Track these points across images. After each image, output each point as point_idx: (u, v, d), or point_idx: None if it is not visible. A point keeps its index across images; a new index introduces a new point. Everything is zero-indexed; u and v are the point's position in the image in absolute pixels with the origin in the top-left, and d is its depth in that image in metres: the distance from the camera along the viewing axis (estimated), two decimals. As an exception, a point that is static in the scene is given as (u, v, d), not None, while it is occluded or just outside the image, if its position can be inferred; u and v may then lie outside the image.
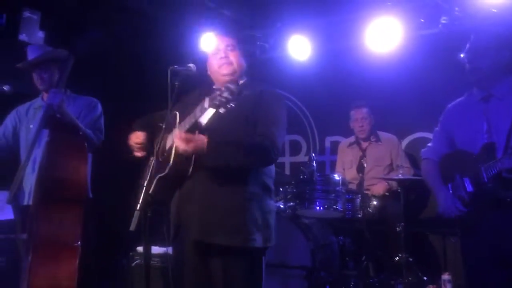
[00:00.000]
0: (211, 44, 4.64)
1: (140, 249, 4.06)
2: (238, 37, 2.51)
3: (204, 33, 4.94)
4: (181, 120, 2.29)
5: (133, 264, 4.06)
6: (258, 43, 5.49)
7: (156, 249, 3.41)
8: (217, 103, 1.94)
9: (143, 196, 2.09)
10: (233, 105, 1.95)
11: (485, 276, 2.48)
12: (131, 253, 4.09)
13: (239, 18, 5.18)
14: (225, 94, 1.93)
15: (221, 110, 1.97)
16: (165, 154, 2.27)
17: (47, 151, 2.94)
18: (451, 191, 2.62)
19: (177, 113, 2.30)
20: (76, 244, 2.82)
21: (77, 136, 3.05)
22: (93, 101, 3.40)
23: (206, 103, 2.02)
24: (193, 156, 2.19)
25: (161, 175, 2.20)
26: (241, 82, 2.43)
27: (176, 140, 2.11)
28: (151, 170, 2.22)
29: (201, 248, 2.25)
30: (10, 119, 3.42)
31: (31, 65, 3.29)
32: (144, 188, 2.14)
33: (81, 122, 3.18)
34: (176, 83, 2.32)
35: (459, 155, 2.64)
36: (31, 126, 3.28)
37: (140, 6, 4.66)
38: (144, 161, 2.52)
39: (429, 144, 2.90)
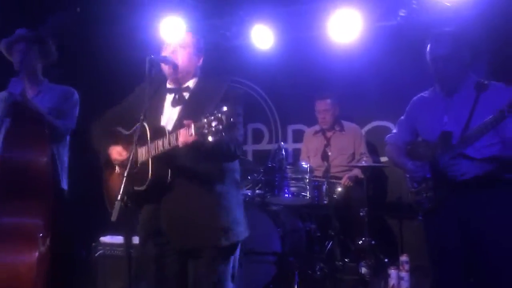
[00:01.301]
0: (170, 30, 4.62)
1: (104, 239, 4.02)
2: (193, 35, 2.52)
3: (164, 18, 4.85)
4: (152, 128, 2.27)
5: (96, 255, 3.99)
6: (220, 31, 5.47)
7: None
8: (206, 132, 1.93)
9: (123, 187, 2.08)
10: (223, 134, 1.93)
11: (446, 257, 2.67)
12: (93, 244, 4.02)
13: (201, 6, 5.12)
14: (214, 124, 1.91)
15: (210, 139, 1.94)
16: (139, 166, 2.26)
17: (5, 141, 2.83)
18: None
19: (147, 126, 2.27)
20: (37, 236, 2.74)
21: (38, 125, 2.95)
22: (70, 91, 3.33)
23: (192, 129, 1.98)
24: (170, 167, 2.23)
25: (140, 188, 2.22)
26: (192, 80, 2.46)
27: (183, 141, 2.07)
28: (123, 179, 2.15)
29: (183, 252, 2.34)
30: None
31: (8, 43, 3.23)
32: (125, 178, 2.12)
33: (56, 111, 3.09)
34: (153, 72, 2.34)
35: (420, 143, 2.85)
36: None
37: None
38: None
39: (394, 131, 3.11)
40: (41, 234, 2.75)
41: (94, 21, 4.57)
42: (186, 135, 2.02)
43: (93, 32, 4.62)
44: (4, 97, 3.18)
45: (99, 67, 4.73)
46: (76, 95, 3.34)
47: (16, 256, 2.70)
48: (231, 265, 2.39)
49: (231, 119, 1.93)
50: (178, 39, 2.47)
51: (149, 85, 2.35)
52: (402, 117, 3.04)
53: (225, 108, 1.92)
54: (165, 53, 2.44)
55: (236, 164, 2.46)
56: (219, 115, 1.91)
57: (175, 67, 2.39)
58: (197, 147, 2.05)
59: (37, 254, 2.71)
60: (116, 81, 2.78)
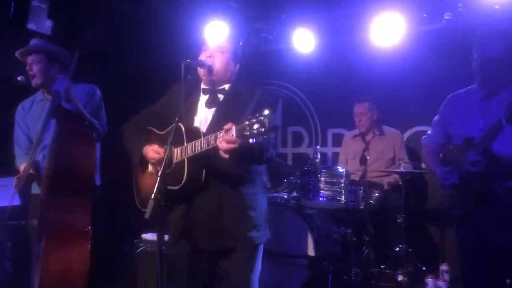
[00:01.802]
0: (214, 35, 4.72)
1: (145, 236, 4.14)
2: (232, 40, 2.55)
3: (209, 22, 4.96)
4: (188, 129, 2.32)
5: (137, 251, 4.12)
6: (262, 35, 5.54)
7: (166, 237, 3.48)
8: (247, 134, 1.97)
9: (157, 185, 2.14)
10: (265, 137, 1.97)
11: (475, 265, 2.61)
12: (135, 240, 4.16)
13: (244, 10, 5.21)
14: (256, 126, 1.94)
15: (251, 141, 1.99)
16: (173, 166, 2.33)
17: (55, 140, 3.00)
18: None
19: (182, 126, 2.32)
20: (86, 229, 2.89)
21: (83, 125, 3.10)
22: (92, 88, 3.38)
23: (233, 131, 2.02)
24: (204, 168, 2.29)
25: (174, 188, 2.29)
26: (228, 85, 2.49)
27: (224, 144, 2.09)
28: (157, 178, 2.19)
29: (212, 253, 2.40)
30: (19, 116, 3.43)
31: (24, 52, 3.26)
32: (159, 177, 2.19)
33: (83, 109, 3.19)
34: (189, 76, 2.41)
35: (450, 149, 2.78)
36: (37, 120, 3.29)
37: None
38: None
39: (429, 132, 3.04)
40: (89, 227, 2.91)
41: (139, 26, 4.74)
42: (227, 137, 2.05)
43: (138, 36, 4.78)
44: (42, 99, 3.36)
45: (142, 70, 4.88)
46: (99, 92, 3.39)
47: (69, 249, 2.85)
48: (260, 265, 2.44)
49: (273, 123, 1.96)
50: (217, 43, 2.51)
51: (184, 88, 2.40)
52: (436, 118, 2.96)
53: (266, 112, 1.95)
54: (202, 56, 2.48)
55: (263, 167, 2.51)
56: (262, 118, 1.94)
57: (210, 70, 2.44)
58: (234, 150, 2.08)
59: (88, 246, 2.87)
60: (157, 85, 2.87)
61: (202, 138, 2.22)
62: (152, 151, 2.43)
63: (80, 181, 2.96)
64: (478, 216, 2.56)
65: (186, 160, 2.28)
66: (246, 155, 2.19)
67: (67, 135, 3.01)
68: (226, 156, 2.10)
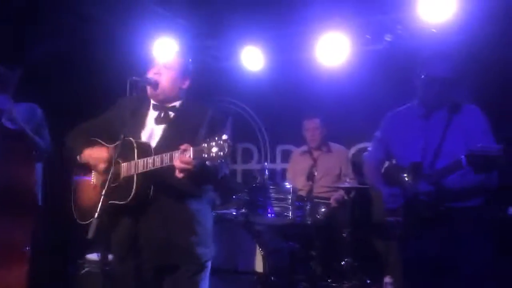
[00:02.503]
0: (162, 51, 4.70)
1: (89, 256, 4.02)
2: (180, 57, 2.57)
3: (157, 38, 4.94)
4: (138, 144, 2.30)
5: (82, 272, 4.00)
6: (211, 52, 5.58)
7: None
8: (205, 156, 1.99)
9: (101, 204, 2.11)
10: (223, 161, 2.01)
11: (415, 280, 2.68)
12: (79, 261, 4.04)
13: (193, 27, 5.23)
14: (214, 150, 1.97)
15: (208, 163, 2.03)
16: (120, 180, 2.29)
17: (-6, 160, 2.91)
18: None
19: (133, 141, 2.30)
20: (25, 249, 2.81)
21: (24, 143, 3.03)
22: (32, 106, 3.34)
23: (190, 153, 2.04)
24: (152, 184, 2.27)
25: (120, 203, 2.25)
26: (177, 102, 2.50)
27: (180, 164, 2.10)
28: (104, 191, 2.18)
29: (158, 269, 2.36)
30: None
31: None
32: (102, 196, 2.16)
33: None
34: (134, 94, 2.39)
35: (393, 168, 2.83)
36: None
37: (94, 13, 4.62)
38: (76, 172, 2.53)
39: (369, 148, 3.11)
40: (27, 248, 2.81)
41: (85, 43, 4.65)
42: (184, 158, 2.06)
43: (84, 53, 4.69)
44: None
45: (88, 88, 4.78)
46: (40, 110, 3.34)
47: (7, 269, 2.79)
48: (207, 282, 2.42)
49: (231, 148, 1.98)
50: (165, 60, 2.51)
51: (133, 103, 2.40)
52: (377, 133, 3.01)
53: (225, 136, 1.97)
54: (150, 73, 2.47)
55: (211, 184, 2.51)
56: (221, 142, 1.96)
57: (155, 87, 2.43)
58: (189, 171, 2.09)
59: (26, 267, 2.77)
60: (104, 103, 2.83)
61: (155, 156, 2.21)
62: (97, 151, 2.38)
63: (19, 200, 2.89)
64: (421, 235, 2.61)
65: (135, 176, 2.25)
66: (201, 177, 2.21)
67: (6, 154, 2.93)
68: (181, 175, 2.11)
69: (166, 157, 2.16)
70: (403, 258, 2.81)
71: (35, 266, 2.89)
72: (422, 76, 2.70)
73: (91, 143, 2.46)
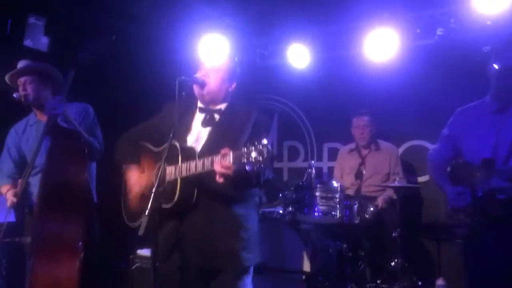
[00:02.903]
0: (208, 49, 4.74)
1: (140, 252, 4.13)
2: (227, 59, 2.56)
3: (205, 38, 4.99)
4: (182, 149, 2.32)
5: (133, 267, 4.11)
6: (257, 50, 5.59)
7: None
8: (245, 161, 1.97)
9: (151, 201, 2.15)
10: (263, 166, 1.97)
11: (479, 283, 2.56)
12: (131, 256, 4.15)
13: (239, 25, 5.26)
14: (254, 155, 1.95)
15: (247, 168, 2.01)
16: (166, 184, 2.32)
17: (48, 157, 3.02)
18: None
19: (178, 145, 2.32)
20: (77, 245, 2.89)
21: (77, 142, 3.12)
22: (85, 107, 3.40)
23: (230, 157, 2.02)
24: (196, 188, 2.28)
25: (165, 206, 2.28)
26: (223, 104, 2.50)
27: (219, 169, 2.09)
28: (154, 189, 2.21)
29: (204, 271, 2.37)
30: (10, 140, 3.44)
31: (14, 74, 3.27)
32: (153, 194, 2.20)
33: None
34: (183, 93, 2.39)
35: (461, 166, 2.65)
36: (31, 143, 3.30)
37: (143, 13, 4.73)
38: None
39: (435, 147, 2.95)
40: (80, 243, 2.90)
41: (134, 43, 4.77)
42: (224, 163, 2.05)
43: (133, 54, 4.81)
44: (35, 122, 3.37)
45: (138, 88, 4.90)
46: (92, 110, 3.41)
47: (58, 264, 2.85)
48: (251, 286, 2.42)
49: (272, 153, 1.97)
50: (213, 61, 2.51)
51: (179, 105, 2.40)
52: (445, 131, 2.87)
53: (265, 141, 1.95)
54: (198, 74, 2.48)
55: (257, 189, 2.50)
56: (260, 147, 1.94)
57: (202, 87, 2.44)
58: (229, 175, 2.08)
59: (77, 263, 2.86)
60: (152, 102, 2.89)
61: (198, 160, 2.21)
62: (134, 174, 2.47)
63: (72, 197, 2.98)
64: (489, 236, 2.50)
65: (179, 179, 2.27)
66: (242, 181, 2.20)
67: (60, 153, 3.04)
68: (221, 180, 2.11)
69: (207, 161, 2.16)
70: (468, 261, 2.67)
71: (89, 262, 2.97)
72: (496, 67, 2.55)
73: (140, 148, 2.53)
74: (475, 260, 2.59)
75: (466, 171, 2.54)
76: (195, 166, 2.21)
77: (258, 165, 1.96)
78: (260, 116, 2.43)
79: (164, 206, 2.28)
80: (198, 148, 2.37)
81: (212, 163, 2.12)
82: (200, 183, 2.28)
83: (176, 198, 2.26)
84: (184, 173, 2.25)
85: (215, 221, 2.33)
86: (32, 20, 4.33)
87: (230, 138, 2.15)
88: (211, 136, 2.40)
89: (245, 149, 1.97)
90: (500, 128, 2.56)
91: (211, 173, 2.14)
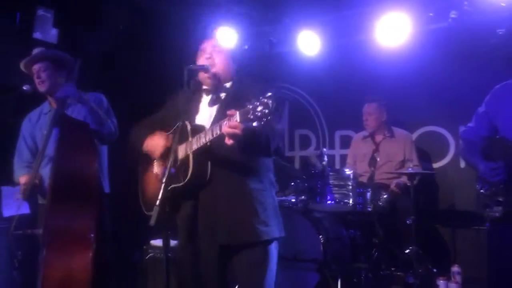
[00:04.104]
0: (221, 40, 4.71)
1: (153, 242, 4.14)
2: (230, 42, 2.55)
3: (216, 28, 4.95)
4: (192, 126, 2.32)
5: (146, 257, 4.13)
6: (267, 38, 5.53)
7: (172, 243, 3.48)
8: (251, 117, 1.95)
9: (162, 191, 2.13)
10: (269, 118, 1.93)
11: (508, 266, 2.47)
12: (144, 247, 4.16)
13: (249, 14, 5.21)
14: (259, 109, 1.92)
15: (255, 124, 1.96)
16: (178, 163, 2.31)
17: (57, 149, 3.01)
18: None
19: (188, 123, 2.32)
20: (89, 236, 2.88)
21: (85, 132, 3.11)
22: (98, 96, 3.40)
23: (237, 116, 2.01)
24: (209, 161, 2.27)
25: (178, 185, 2.26)
26: (229, 83, 2.49)
27: (228, 129, 2.07)
28: (164, 179, 2.18)
29: (224, 248, 2.34)
30: (25, 129, 3.45)
31: (29, 61, 3.28)
32: (163, 184, 2.18)
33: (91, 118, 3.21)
34: (192, 81, 2.41)
35: (496, 141, 2.61)
36: (45, 132, 3.30)
37: (151, 3, 4.71)
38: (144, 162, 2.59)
39: (470, 124, 2.85)
40: (92, 235, 2.90)
41: (144, 33, 4.75)
42: (231, 123, 2.04)
43: (143, 43, 4.80)
44: (49, 111, 3.37)
45: (148, 77, 4.89)
46: (105, 99, 3.41)
47: (70, 257, 2.84)
48: (274, 265, 2.37)
49: (276, 103, 1.92)
50: (213, 43, 2.52)
51: (185, 93, 2.43)
52: (481, 108, 2.77)
53: (270, 93, 1.93)
54: (201, 59, 2.49)
55: (271, 165, 2.48)
56: (265, 100, 1.92)
57: (210, 73, 2.44)
58: (239, 136, 2.05)
59: (90, 254, 2.86)
60: (163, 91, 2.88)
61: (207, 130, 2.22)
62: (155, 138, 2.44)
63: (82, 189, 2.97)
64: None
65: (191, 155, 2.26)
66: (252, 143, 2.16)
67: (68, 144, 3.03)
68: (231, 142, 2.08)
69: (216, 127, 2.15)
70: (494, 244, 2.57)
71: (101, 252, 2.98)
72: None
73: (153, 136, 2.51)
74: (502, 242, 2.50)
75: (502, 146, 2.49)
76: (204, 135, 2.21)
77: (265, 118, 1.92)
78: (267, 83, 2.41)
79: (178, 185, 2.26)
80: (208, 126, 2.35)
81: (220, 127, 2.11)
82: (213, 157, 2.27)
83: (189, 174, 2.24)
84: (194, 146, 2.25)
85: (229, 196, 2.30)
86: (41, 12, 4.34)
87: (237, 107, 2.10)
88: (219, 113, 2.38)
89: (251, 105, 1.95)
90: None
91: (222, 142, 2.11)
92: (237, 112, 2.01)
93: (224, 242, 2.32)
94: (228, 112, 2.05)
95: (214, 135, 2.16)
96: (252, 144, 2.18)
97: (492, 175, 2.49)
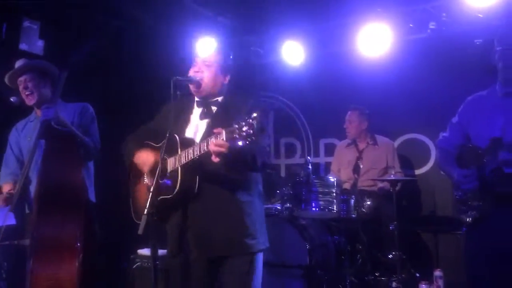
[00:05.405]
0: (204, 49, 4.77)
1: (141, 251, 4.16)
2: (218, 53, 2.58)
3: (200, 38, 5.02)
4: (182, 139, 2.37)
5: (134, 267, 4.14)
6: (252, 48, 5.62)
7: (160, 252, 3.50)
8: (237, 136, 2.00)
9: (149, 200, 2.18)
10: (254, 138, 1.98)
11: (483, 271, 2.51)
12: (131, 256, 4.18)
13: (234, 24, 5.29)
14: (245, 129, 1.98)
15: (240, 143, 2.01)
16: (167, 175, 2.35)
17: (43, 160, 3.02)
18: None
19: (177, 137, 2.36)
20: (76, 245, 2.89)
21: (71, 143, 3.12)
22: (84, 106, 3.39)
23: (223, 135, 2.06)
24: (198, 175, 2.32)
25: (167, 197, 2.30)
26: (220, 97, 2.54)
27: (214, 147, 2.13)
28: (151, 189, 2.24)
29: (211, 260, 2.40)
30: (12, 137, 3.45)
31: (14, 73, 3.27)
32: (151, 193, 2.22)
33: (76, 128, 3.21)
34: (178, 93, 2.43)
35: (467, 149, 2.66)
36: (29, 139, 3.32)
37: (138, 15, 4.75)
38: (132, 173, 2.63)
39: (444, 134, 2.93)
40: (79, 244, 2.92)
41: (130, 44, 4.79)
42: (218, 141, 2.08)
43: (129, 54, 4.83)
44: (35, 118, 3.39)
45: (134, 88, 4.91)
46: (91, 110, 3.40)
47: (58, 265, 2.84)
48: (259, 273, 2.43)
49: (261, 124, 1.99)
50: (203, 57, 2.55)
51: (177, 104, 2.47)
52: (454, 118, 2.85)
53: (255, 114, 1.98)
54: (191, 71, 2.52)
55: (259, 177, 2.54)
56: (250, 120, 1.97)
57: (198, 85, 2.48)
58: (225, 155, 2.11)
59: (76, 263, 2.87)
60: (149, 102, 2.92)
61: (195, 145, 2.26)
62: (144, 153, 2.49)
63: (68, 198, 2.97)
64: (495, 218, 2.45)
65: (179, 168, 2.30)
66: (238, 160, 2.22)
67: (54, 154, 3.04)
68: (217, 160, 2.13)
69: (203, 144, 2.19)
70: (471, 247, 2.61)
71: (88, 262, 2.99)
72: (499, 49, 2.55)
73: (144, 147, 2.56)
74: (479, 244, 2.55)
75: (474, 154, 2.54)
76: (192, 151, 2.25)
77: (249, 139, 1.98)
78: (257, 100, 2.47)
79: (167, 197, 2.31)
80: (197, 139, 2.41)
81: (207, 144, 2.16)
82: (201, 171, 2.31)
83: (178, 187, 2.28)
84: (183, 160, 2.29)
85: (218, 209, 2.35)
86: (27, 23, 4.34)
87: (227, 124, 2.15)
88: (209, 128, 2.42)
89: (237, 125, 2.00)
90: (508, 110, 2.53)
91: (210, 158, 2.16)
92: (223, 131, 2.06)
93: (211, 254, 2.37)
94: (215, 131, 2.11)
95: (202, 152, 2.20)
96: (239, 161, 2.24)
97: (465, 182, 2.56)
